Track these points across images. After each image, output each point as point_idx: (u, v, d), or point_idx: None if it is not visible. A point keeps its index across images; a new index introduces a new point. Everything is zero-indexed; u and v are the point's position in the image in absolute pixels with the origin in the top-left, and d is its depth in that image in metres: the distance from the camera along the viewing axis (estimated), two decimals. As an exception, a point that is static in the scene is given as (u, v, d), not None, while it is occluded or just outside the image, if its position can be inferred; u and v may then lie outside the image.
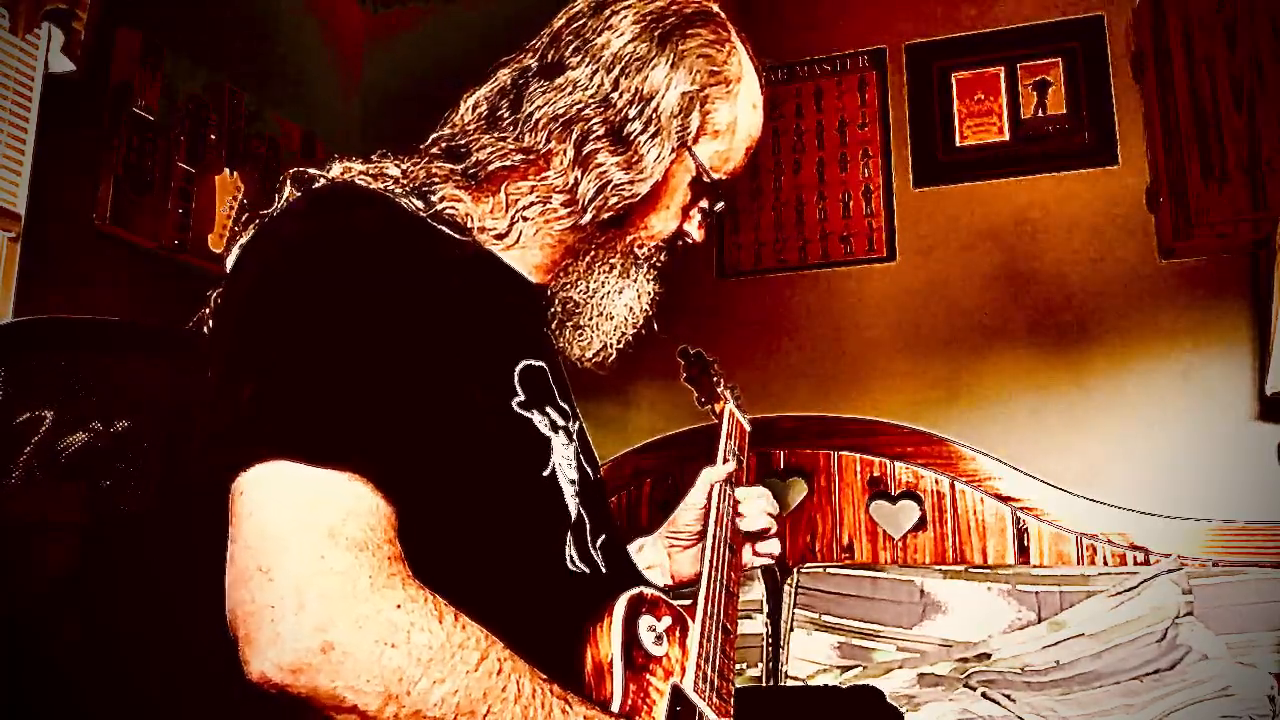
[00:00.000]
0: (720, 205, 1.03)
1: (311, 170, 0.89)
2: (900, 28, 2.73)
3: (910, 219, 2.64)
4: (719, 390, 1.31)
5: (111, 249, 2.27)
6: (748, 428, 1.29)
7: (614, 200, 0.93)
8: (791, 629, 2.28)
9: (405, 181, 0.92)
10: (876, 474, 2.49)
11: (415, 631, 0.65)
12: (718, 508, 1.08)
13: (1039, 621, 2.10)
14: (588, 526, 0.93)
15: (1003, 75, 2.61)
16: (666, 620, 0.86)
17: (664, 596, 0.89)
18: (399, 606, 0.66)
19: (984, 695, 1.83)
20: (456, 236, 0.91)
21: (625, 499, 2.68)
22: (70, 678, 0.77)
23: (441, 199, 0.91)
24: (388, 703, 0.64)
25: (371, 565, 0.66)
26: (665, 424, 2.70)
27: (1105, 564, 2.25)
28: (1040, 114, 2.57)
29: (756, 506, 1.14)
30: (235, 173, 2.63)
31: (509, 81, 0.98)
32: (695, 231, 1.04)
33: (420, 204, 0.90)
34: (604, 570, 0.93)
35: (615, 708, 0.76)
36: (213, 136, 2.57)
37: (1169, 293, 2.38)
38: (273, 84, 2.85)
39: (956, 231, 2.60)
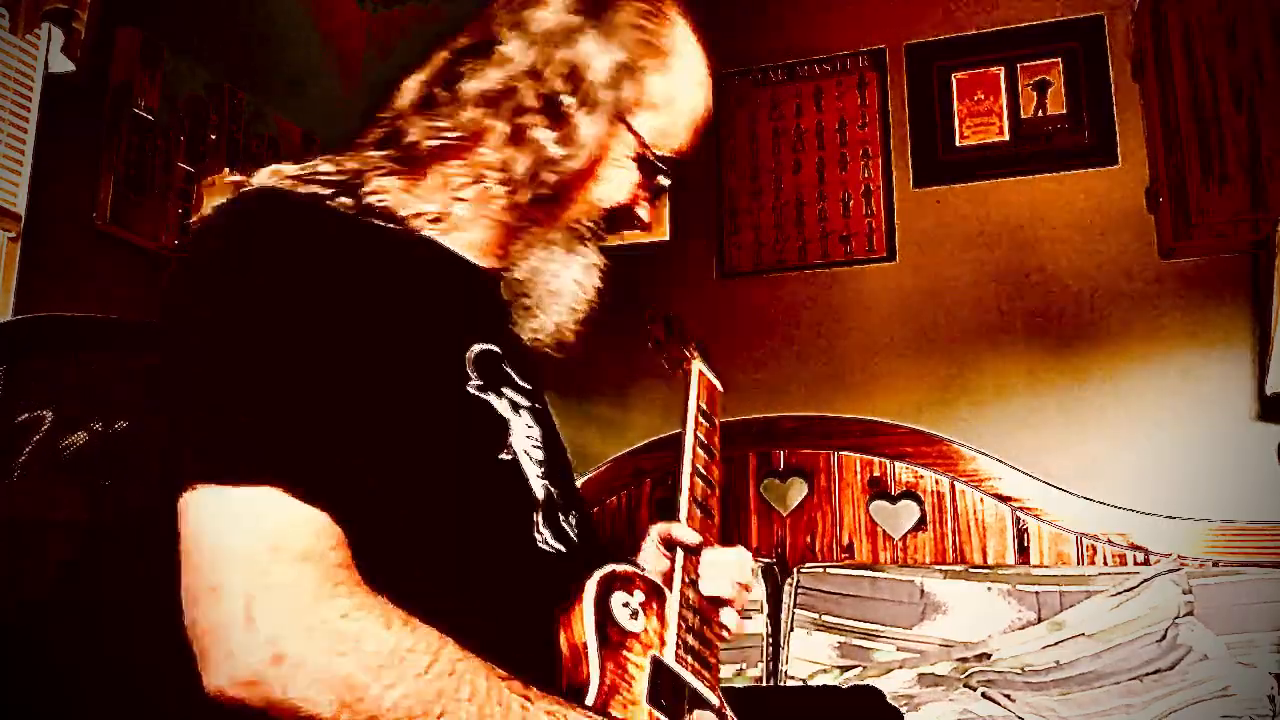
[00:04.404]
0: (666, 181, 1.00)
1: (236, 178, 0.87)
2: (900, 28, 2.72)
3: (910, 219, 2.64)
4: (686, 350, 1.21)
5: (111, 249, 2.27)
6: (719, 387, 1.20)
7: (549, 175, 0.92)
8: (791, 629, 2.28)
9: (337, 177, 0.90)
10: (876, 474, 2.49)
11: (364, 639, 0.66)
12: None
13: (1039, 621, 2.10)
14: (559, 504, 0.92)
15: (1003, 75, 2.61)
16: (640, 595, 0.86)
17: (638, 570, 0.88)
18: (346, 615, 0.67)
19: (984, 695, 1.83)
20: (388, 228, 0.88)
21: (625, 499, 2.68)
22: (70, 676, 0.77)
23: (371, 192, 0.89)
24: (342, 710, 0.65)
25: (317, 576, 0.67)
26: (664, 425, 2.70)
27: (1105, 564, 2.25)
28: (1040, 114, 2.57)
29: (723, 572, 1.00)
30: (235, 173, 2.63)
31: (444, 62, 0.97)
32: (642, 211, 1.02)
33: (349, 200, 0.87)
34: (580, 544, 0.92)
35: (593, 688, 0.76)
36: (213, 136, 2.56)
37: (1169, 293, 2.38)
38: (273, 84, 2.85)
39: (956, 231, 2.59)
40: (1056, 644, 2.01)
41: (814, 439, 2.56)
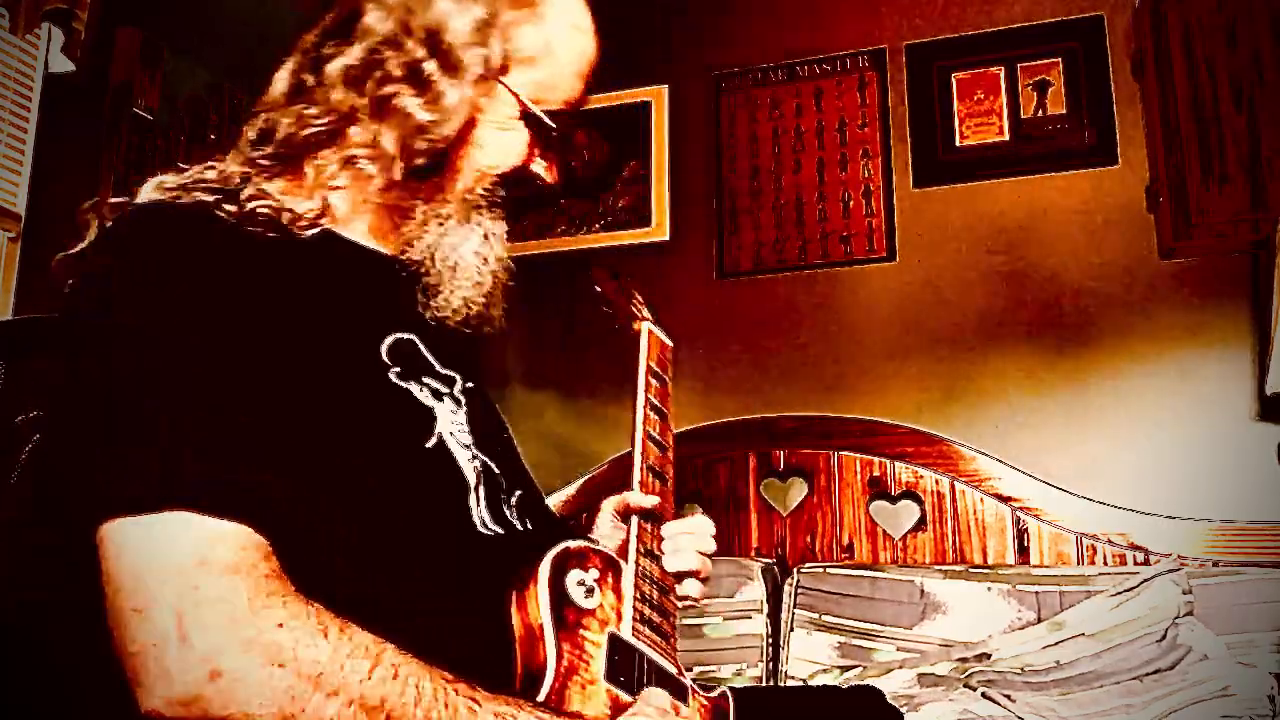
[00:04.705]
0: (555, 134, 0.95)
1: (116, 200, 0.84)
2: (900, 28, 2.72)
3: (910, 219, 2.64)
4: (634, 308, 1.19)
5: (111, 249, 2.27)
6: (669, 343, 1.18)
7: (421, 145, 0.88)
8: (791, 629, 2.28)
9: (218, 185, 0.86)
10: (876, 474, 2.49)
11: (300, 648, 0.65)
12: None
13: (1039, 621, 2.09)
14: (503, 485, 0.91)
15: (1003, 75, 2.61)
16: (595, 571, 0.85)
17: (592, 546, 0.88)
18: (281, 625, 0.66)
19: (984, 695, 1.83)
20: (272, 235, 0.85)
21: (625, 499, 2.67)
22: (70, 676, 0.77)
23: (252, 197, 0.85)
24: None
25: (248, 587, 0.66)
26: (665, 424, 2.70)
27: (1105, 564, 2.25)
28: (1040, 114, 2.57)
29: (685, 544, 1.01)
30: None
31: (311, 45, 0.95)
32: (543, 172, 0.97)
33: (233, 207, 0.84)
34: (522, 528, 0.91)
35: (550, 671, 0.75)
36: (213, 136, 2.56)
37: (1169, 293, 2.38)
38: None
39: (957, 231, 2.59)
40: (1056, 644, 2.01)
41: (814, 439, 2.56)
